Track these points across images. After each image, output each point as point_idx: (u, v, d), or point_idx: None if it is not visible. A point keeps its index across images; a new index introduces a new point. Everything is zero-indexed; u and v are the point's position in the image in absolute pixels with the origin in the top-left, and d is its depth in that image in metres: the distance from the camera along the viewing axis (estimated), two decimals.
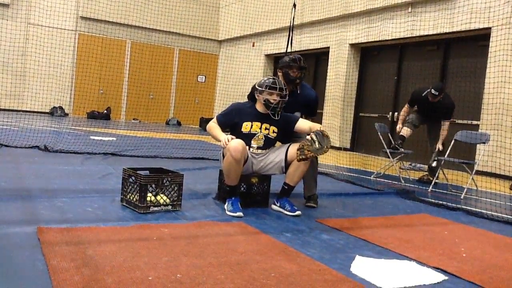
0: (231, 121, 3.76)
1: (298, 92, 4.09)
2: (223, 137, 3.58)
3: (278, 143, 3.94)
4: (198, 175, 5.24)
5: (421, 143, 7.39)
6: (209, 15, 16.58)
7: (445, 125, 6.31)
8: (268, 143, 3.80)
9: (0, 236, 2.50)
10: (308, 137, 3.51)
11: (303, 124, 3.78)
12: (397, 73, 10.61)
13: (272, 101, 3.67)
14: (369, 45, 11.11)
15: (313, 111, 4.24)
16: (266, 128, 3.77)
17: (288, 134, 3.88)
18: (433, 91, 6.11)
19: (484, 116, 7.90)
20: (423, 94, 6.32)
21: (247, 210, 3.62)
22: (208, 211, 3.56)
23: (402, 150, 6.49)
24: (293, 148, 3.65)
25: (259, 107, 3.78)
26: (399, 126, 6.59)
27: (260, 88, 3.70)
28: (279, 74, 4.06)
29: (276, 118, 3.74)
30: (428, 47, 9.85)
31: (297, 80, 4.00)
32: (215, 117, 3.82)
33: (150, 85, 16.06)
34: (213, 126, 3.75)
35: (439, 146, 6.31)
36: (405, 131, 6.47)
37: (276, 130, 3.79)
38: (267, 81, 3.72)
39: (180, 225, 3.08)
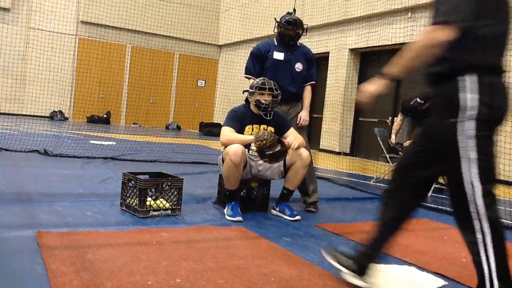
0: (239, 124, 3.74)
1: (298, 45, 4.31)
2: (249, 137, 3.56)
3: None
4: (198, 180, 5.23)
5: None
6: (209, 20, 16.62)
7: None
8: None
9: None
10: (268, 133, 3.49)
11: (291, 133, 3.77)
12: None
13: (263, 101, 3.68)
14: (369, 50, 11.13)
15: (313, 67, 4.33)
16: (264, 129, 3.77)
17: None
18: (418, 100, 6.12)
19: None
20: (411, 103, 6.31)
21: (246, 214, 3.62)
22: (207, 216, 3.55)
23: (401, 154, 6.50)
24: (292, 153, 3.65)
25: (253, 108, 3.79)
26: (392, 138, 6.56)
27: (251, 90, 3.73)
28: (276, 31, 4.27)
29: (268, 118, 3.75)
30: None
31: (291, 42, 4.21)
32: (225, 126, 3.68)
33: (150, 89, 16.08)
34: (230, 134, 3.62)
35: (409, 142, 6.31)
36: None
37: (273, 130, 3.79)
38: (256, 82, 3.75)
39: (179, 229, 3.08)
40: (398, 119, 6.65)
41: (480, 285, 2.03)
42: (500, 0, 1.97)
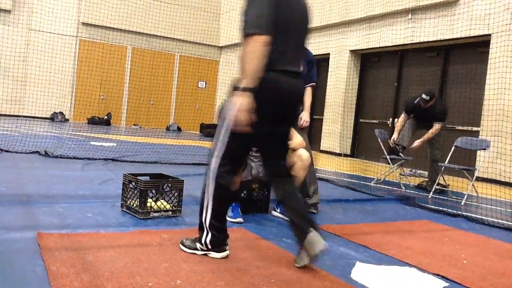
0: None
1: None
2: None
3: None
4: (199, 181, 5.20)
5: (421, 150, 7.39)
6: (210, 21, 16.64)
7: (434, 127, 6.27)
8: None
9: (0, 242, 2.50)
10: None
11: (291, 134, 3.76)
12: (397, 80, 10.64)
13: None
14: (369, 52, 11.14)
15: (313, 69, 4.30)
16: None
17: None
18: (424, 96, 6.18)
19: (484, 122, 7.91)
20: (415, 102, 6.36)
21: (247, 216, 3.62)
22: None
23: (402, 155, 6.49)
24: (292, 155, 3.65)
25: None
26: (394, 136, 6.57)
27: None
28: None
29: None
30: (428, 54, 9.88)
31: None
32: None
33: (150, 90, 16.10)
34: None
35: (417, 142, 6.30)
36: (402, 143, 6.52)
37: None
38: None
39: (180, 231, 3.07)
40: (400, 118, 6.66)
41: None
42: (285, 17, 2.44)
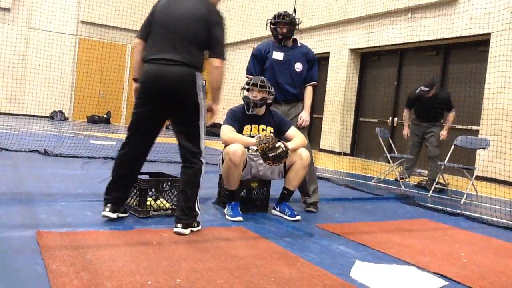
0: (238, 124, 3.74)
1: (299, 45, 4.28)
2: (251, 139, 3.57)
3: None
4: None
5: (421, 149, 7.39)
6: None
7: (449, 115, 6.49)
8: None
9: None
10: (281, 144, 3.49)
11: (291, 134, 3.77)
12: (397, 78, 10.63)
13: (250, 97, 3.68)
14: (369, 50, 11.13)
15: (314, 68, 4.30)
16: (263, 129, 3.77)
17: (279, 136, 3.88)
18: (422, 88, 6.44)
19: (484, 121, 7.91)
20: (416, 92, 6.55)
21: (246, 214, 3.62)
22: (207, 216, 3.55)
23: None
24: (292, 154, 3.65)
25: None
26: (405, 130, 6.79)
27: (243, 88, 3.79)
28: (269, 29, 4.28)
29: (249, 113, 3.73)
30: (428, 52, 9.88)
31: (279, 36, 4.15)
32: (225, 125, 3.68)
33: None
34: (231, 133, 3.62)
35: (443, 133, 6.43)
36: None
37: (272, 130, 3.79)
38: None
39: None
40: (404, 114, 6.90)
41: None
42: (156, 20, 3.09)
